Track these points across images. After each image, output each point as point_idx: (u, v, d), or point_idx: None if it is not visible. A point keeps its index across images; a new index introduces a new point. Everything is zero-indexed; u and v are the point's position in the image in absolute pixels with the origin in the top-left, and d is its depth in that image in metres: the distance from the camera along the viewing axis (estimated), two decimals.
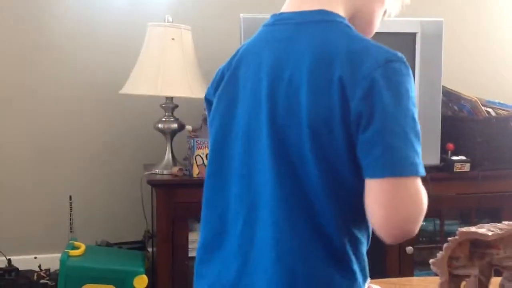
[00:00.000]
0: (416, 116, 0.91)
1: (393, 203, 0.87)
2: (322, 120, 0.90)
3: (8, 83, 2.73)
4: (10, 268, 2.59)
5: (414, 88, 0.92)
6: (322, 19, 0.98)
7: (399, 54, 0.94)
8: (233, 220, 1.00)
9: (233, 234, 0.99)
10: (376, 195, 0.88)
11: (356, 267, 0.95)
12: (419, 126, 0.91)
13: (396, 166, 0.87)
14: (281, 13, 1.03)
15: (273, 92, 0.95)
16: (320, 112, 0.90)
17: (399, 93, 0.89)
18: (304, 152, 0.92)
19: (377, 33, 2.50)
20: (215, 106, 1.05)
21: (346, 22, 1.00)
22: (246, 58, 1.03)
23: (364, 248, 0.99)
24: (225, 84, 1.04)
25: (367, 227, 0.97)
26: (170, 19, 2.49)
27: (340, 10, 1.01)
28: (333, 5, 1.00)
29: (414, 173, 0.88)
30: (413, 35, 2.44)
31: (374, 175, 0.88)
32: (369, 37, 1.08)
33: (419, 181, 0.89)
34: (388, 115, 0.88)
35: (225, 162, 1.01)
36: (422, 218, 0.90)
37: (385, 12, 1.12)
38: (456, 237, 1.20)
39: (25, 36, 2.73)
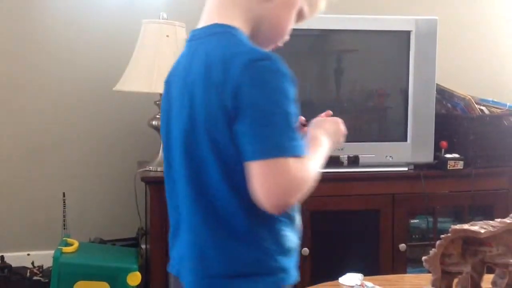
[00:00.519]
0: (287, 105, 1.03)
1: (267, 182, 1.02)
2: (212, 122, 1.06)
3: (1, 80, 2.73)
4: (3, 265, 2.59)
5: (286, 81, 1.04)
6: (217, 32, 1.13)
7: (270, 53, 1.06)
8: (181, 212, 1.17)
9: (182, 223, 1.18)
10: (254, 177, 1.03)
11: (268, 243, 1.09)
12: (290, 114, 1.03)
13: (265, 150, 1.02)
14: (194, 30, 1.19)
15: (183, 101, 1.12)
16: (209, 116, 1.06)
17: (265, 88, 1.03)
18: (203, 152, 1.08)
19: (371, 31, 2.52)
20: (161, 116, 1.25)
21: (239, 31, 1.13)
22: (174, 72, 1.21)
23: (281, 224, 1.11)
24: (163, 98, 1.23)
25: None
26: (165, 16, 2.49)
27: (238, 21, 1.14)
28: (231, 18, 1.14)
29: (281, 154, 1.02)
30: (408, 33, 2.45)
31: (249, 160, 1.03)
32: (280, 39, 1.20)
33: (290, 161, 1.02)
34: (256, 108, 1.02)
35: (171, 163, 1.19)
36: (298, 191, 1.03)
37: (302, 12, 1.21)
38: (449, 234, 1.20)
39: (19, 34, 2.72)
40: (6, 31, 2.71)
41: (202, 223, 1.11)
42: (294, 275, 1.13)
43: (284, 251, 1.12)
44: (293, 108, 1.04)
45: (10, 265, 2.60)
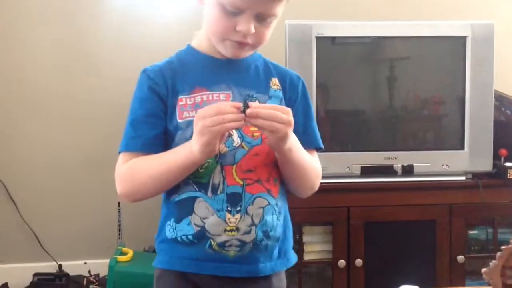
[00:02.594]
0: (133, 109, 1.36)
1: None
2: None
3: (58, 90, 2.80)
4: (61, 273, 2.65)
5: (137, 88, 1.37)
6: None
7: (148, 66, 1.38)
8: None
9: None
10: None
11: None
12: (133, 116, 1.36)
13: None
14: None
15: None
16: None
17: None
18: None
19: (426, 37, 2.46)
20: None
21: (187, 47, 1.39)
22: None
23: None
24: None
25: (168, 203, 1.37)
26: None
27: (200, 33, 1.33)
28: (198, 34, 1.36)
29: (120, 150, 1.36)
30: (464, 38, 2.39)
31: None
32: (217, 38, 1.26)
33: (121, 156, 1.37)
34: None
35: None
36: (119, 182, 1.37)
37: (225, 4, 1.20)
38: (510, 245, 1.17)
39: (74, 47, 2.80)
40: (62, 48, 2.79)
41: None
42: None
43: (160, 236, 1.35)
44: (138, 109, 1.32)
45: (68, 274, 2.66)
